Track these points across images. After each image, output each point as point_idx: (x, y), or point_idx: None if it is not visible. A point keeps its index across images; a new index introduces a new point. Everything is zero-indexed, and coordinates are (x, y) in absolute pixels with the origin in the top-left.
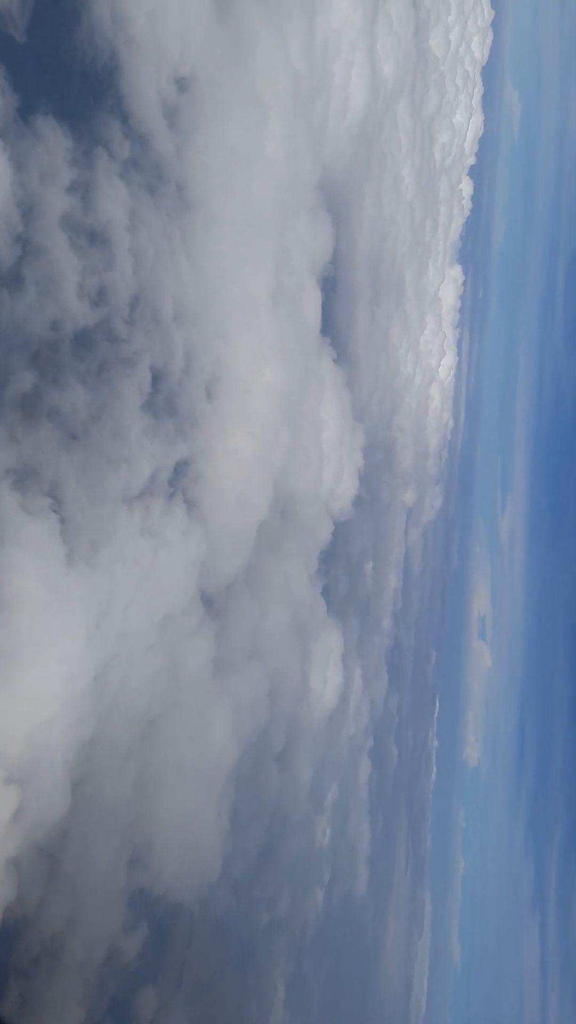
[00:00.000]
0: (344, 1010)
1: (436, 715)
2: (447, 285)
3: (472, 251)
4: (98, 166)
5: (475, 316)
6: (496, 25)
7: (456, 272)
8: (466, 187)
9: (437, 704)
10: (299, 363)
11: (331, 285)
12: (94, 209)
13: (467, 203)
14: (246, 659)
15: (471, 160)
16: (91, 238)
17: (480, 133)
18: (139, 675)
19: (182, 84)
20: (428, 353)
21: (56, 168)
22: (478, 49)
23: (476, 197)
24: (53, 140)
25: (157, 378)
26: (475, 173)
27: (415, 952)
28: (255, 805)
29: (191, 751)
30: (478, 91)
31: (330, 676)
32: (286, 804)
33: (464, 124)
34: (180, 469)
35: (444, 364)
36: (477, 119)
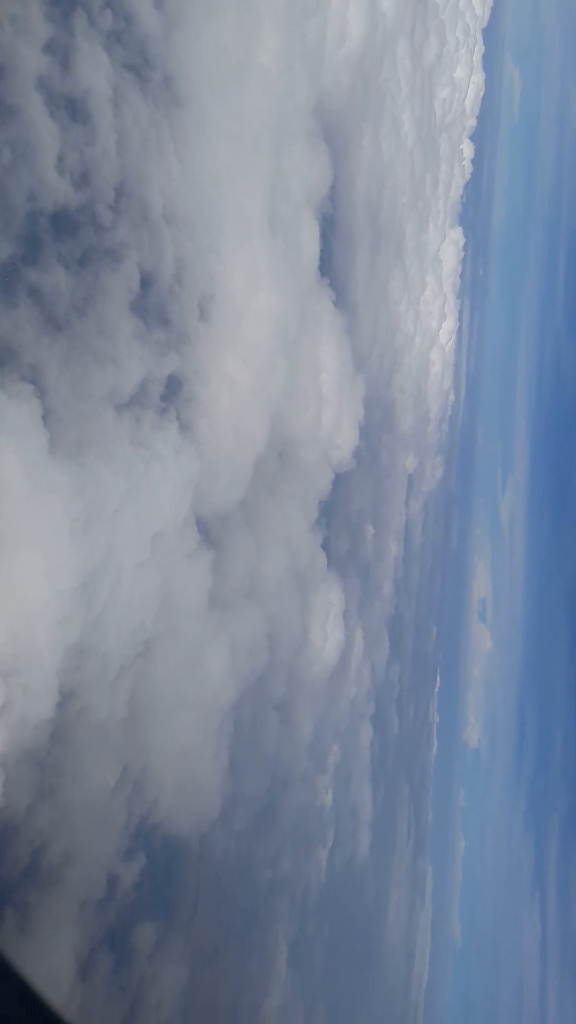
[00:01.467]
0: (347, 974)
1: (437, 690)
2: (448, 247)
3: (473, 221)
4: (77, 29)
5: (476, 293)
6: None
7: (457, 234)
8: (467, 149)
9: (438, 679)
10: (296, 297)
11: (329, 224)
12: (73, 75)
13: (468, 166)
14: (244, 598)
15: (472, 122)
16: (70, 108)
17: (481, 93)
18: (130, 591)
19: None
20: (428, 314)
21: (30, 16)
22: (479, 6)
23: (477, 162)
24: None
25: (147, 281)
26: (476, 138)
27: (417, 923)
28: (254, 752)
29: (187, 682)
30: (479, 49)
31: (331, 631)
32: (286, 757)
33: (465, 81)
34: (172, 386)
35: (445, 328)
36: (478, 78)
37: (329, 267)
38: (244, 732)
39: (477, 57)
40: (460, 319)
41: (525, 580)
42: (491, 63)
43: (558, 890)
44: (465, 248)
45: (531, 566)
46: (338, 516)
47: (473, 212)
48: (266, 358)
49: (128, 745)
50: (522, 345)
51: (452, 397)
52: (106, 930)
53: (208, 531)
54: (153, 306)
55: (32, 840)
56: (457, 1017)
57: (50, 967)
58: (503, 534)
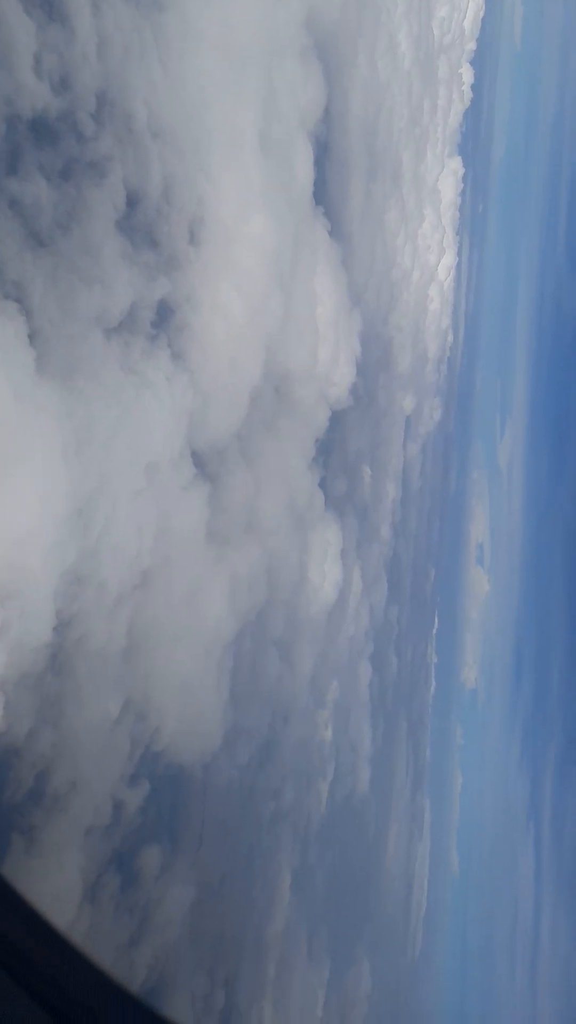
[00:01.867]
0: (349, 901)
1: (435, 631)
2: (446, 178)
3: (473, 154)
4: None
5: (475, 230)
6: None
7: (456, 164)
8: (467, 74)
9: (436, 621)
10: (290, 225)
11: (323, 150)
12: None
13: (467, 92)
14: (242, 532)
15: (471, 45)
16: (47, 5)
17: (481, 13)
18: (126, 520)
19: None
20: (427, 249)
21: None
22: None
23: (476, 88)
24: None
25: (133, 199)
26: (476, 64)
27: (415, 854)
28: (255, 686)
29: (186, 614)
30: None
31: (329, 570)
32: (286, 692)
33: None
34: (163, 313)
35: (443, 264)
36: None
37: (324, 195)
38: (244, 666)
39: None
40: (459, 255)
41: (523, 524)
42: None
43: (552, 822)
44: (464, 180)
45: (529, 510)
46: (335, 456)
47: (473, 144)
48: (260, 287)
49: (129, 675)
50: (522, 285)
51: (451, 337)
52: (111, 853)
53: (204, 465)
54: (140, 226)
55: (35, 763)
56: (455, 942)
57: (57, 888)
58: (501, 477)
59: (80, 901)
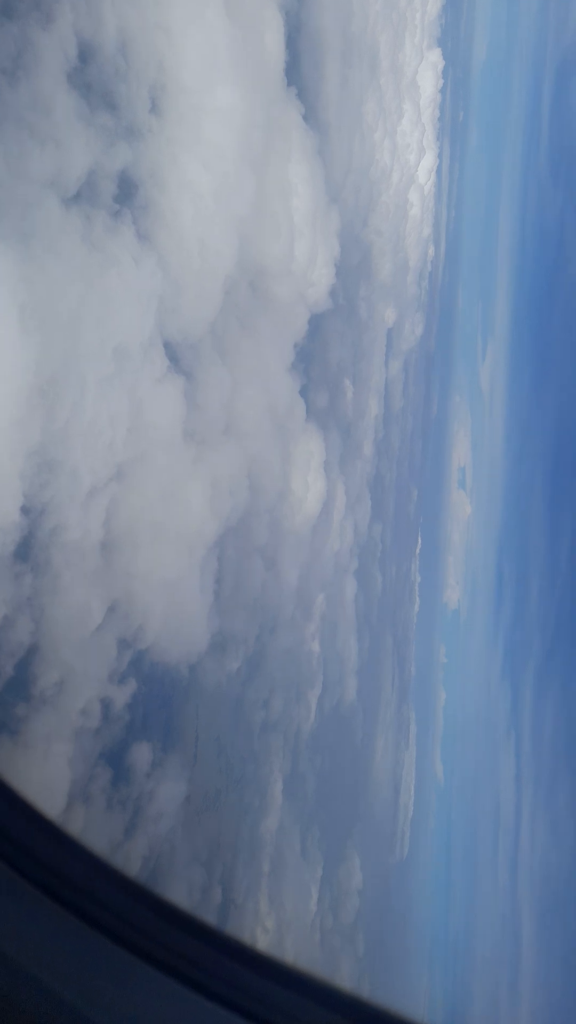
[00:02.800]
0: (339, 802)
1: (418, 550)
2: (426, 72)
3: (452, 51)
4: None
5: (456, 140)
6: None
7: (435, 56)
8: None
9: (419, 540)
10: (261, 103)
11: (294, 25)
12: None
13: None
14: (220, 434)
15: None
16: None
17: None
18: (95, 406)
19: None
20: (407, 148)
21: None
22: None
23: None
24: None
25: (86, 51)
26: None
27: (402, 760)
28: (240, 594)
29: (166, 511)
30: None
31: (312, 482)
32: (272, 601)
33: None
34: (126, 187)
35: (424, 166)
36: None
37: (296, 75)
38: (229, 572)
39: None
40: (440, 159)
41: (505, 446)
42: None
43: (532, 731)
44: (444, 75)
45: (510, 433)
46: (316, 366)
47: (453, 43)
48: (230, 168)
49: (108, 569)
50: (504, 201)
51: (432, 251)
52: (101, 748)
53: (177, 358)
54: (96, 83)
55: (13, 652)
56: (441, 844)
57: (48, 780)
58: (483, 400)
59: (71, 793)
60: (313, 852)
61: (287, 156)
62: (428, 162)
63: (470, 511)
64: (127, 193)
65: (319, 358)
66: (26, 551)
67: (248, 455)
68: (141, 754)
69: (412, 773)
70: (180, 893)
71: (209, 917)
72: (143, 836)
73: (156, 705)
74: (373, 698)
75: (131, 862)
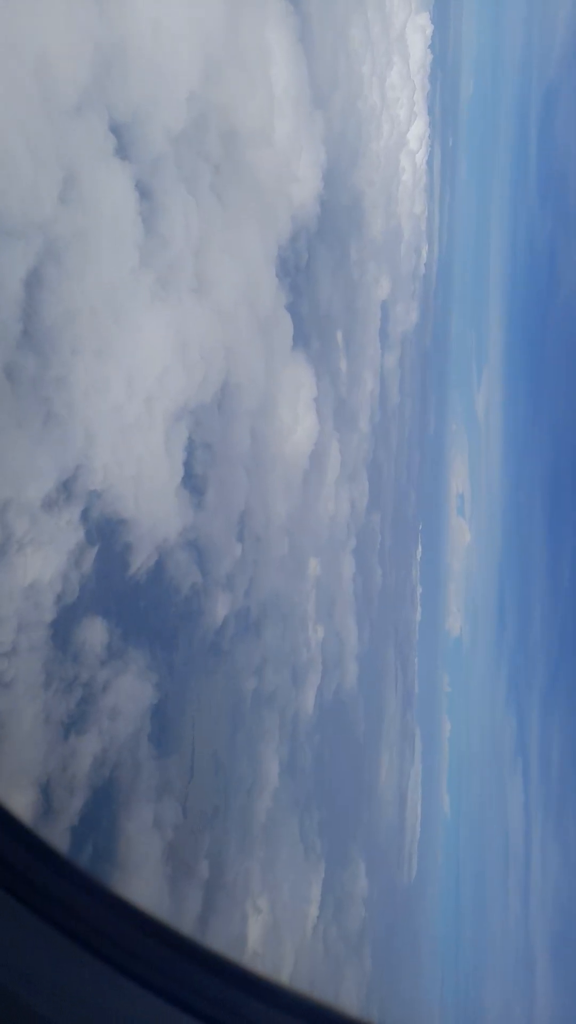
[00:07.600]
0: (341, 803)
1: (419, 558)
2: (414, 32)
3: (440, 23)
4: None
5: (445, 168)
6: None
7: (423, 20)
8: None
9: (420, 547)
10: None
11: None
12: None
13: None
14: (190, 293)
15: None
16: None
17: None
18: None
19: None
20: (396, 102)
21: None
22: None
23: None
24: None
25: None
26: None
27: (408, 773)
28: (219, 495)
29: (119, 334)
30: None
31: (302, 415)
32: (259, 526)
33: None
34: None
35: (414, 132)
36: None
37: None
38: (203, 460)
39: None
40: (432, 140)
41: (502, 472)
42: None
43: (539, 758)
44: (432, 40)
45: (508, 458)
46: (304, 299)
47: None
48: None
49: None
50: (494, 221)
51: (425, 253)
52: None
53: (129, 155)
54: None
55: None
56: (448, 869)
57: None
58: (479, 427)
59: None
60: (312, 839)
61: (263, 18)
62: (418, 129)
63: (469, 538)
64: None
65: (307, 292)
66: None
67: (225, 334)
68: (93, 631)
69: (419, 791)
70: (143, 812)
71: (194, 899)
72: (95, 733)
73: (118, 578)
74: (374, 699)
75: (78, 757)
